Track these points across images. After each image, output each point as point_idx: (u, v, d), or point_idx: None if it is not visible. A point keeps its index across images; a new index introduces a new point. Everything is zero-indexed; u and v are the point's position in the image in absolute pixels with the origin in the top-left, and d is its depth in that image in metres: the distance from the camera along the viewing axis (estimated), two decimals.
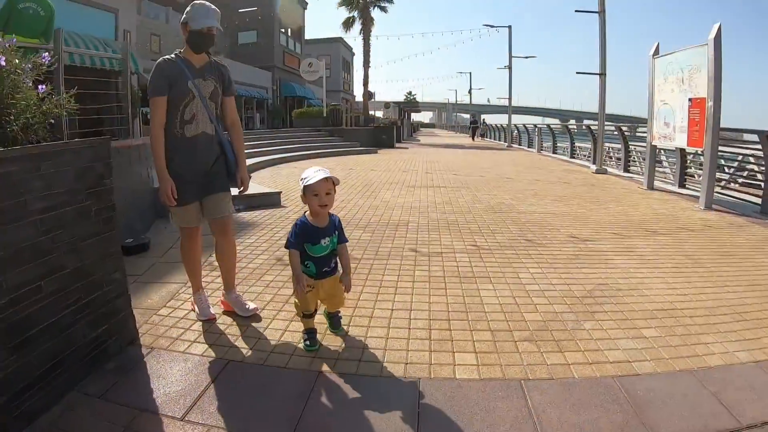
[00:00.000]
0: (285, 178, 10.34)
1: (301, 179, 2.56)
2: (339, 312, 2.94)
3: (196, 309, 3.11)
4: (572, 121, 18.58)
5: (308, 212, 2.65)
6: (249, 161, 11.71)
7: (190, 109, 2.87)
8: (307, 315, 2.72)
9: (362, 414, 2.14)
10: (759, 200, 7.47)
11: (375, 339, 2.81)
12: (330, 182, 2.56)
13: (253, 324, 3.01)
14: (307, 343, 2.73)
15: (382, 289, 3.66)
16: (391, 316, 3.16)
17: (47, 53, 2.47)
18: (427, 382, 2.39)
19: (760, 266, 4.43)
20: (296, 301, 2.72)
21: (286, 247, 2.63)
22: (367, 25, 29.03)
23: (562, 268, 4.23)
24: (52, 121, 2.44)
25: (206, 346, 2.74)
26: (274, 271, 4.05)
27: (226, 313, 3.16)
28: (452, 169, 12.83)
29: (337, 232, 2.68)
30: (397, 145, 24.53)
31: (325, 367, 2.51)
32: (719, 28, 7.16)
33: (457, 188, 9.12)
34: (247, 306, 3.13)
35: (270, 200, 7.11)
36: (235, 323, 3.04)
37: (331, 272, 2.71)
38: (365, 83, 29.67)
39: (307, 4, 34.95)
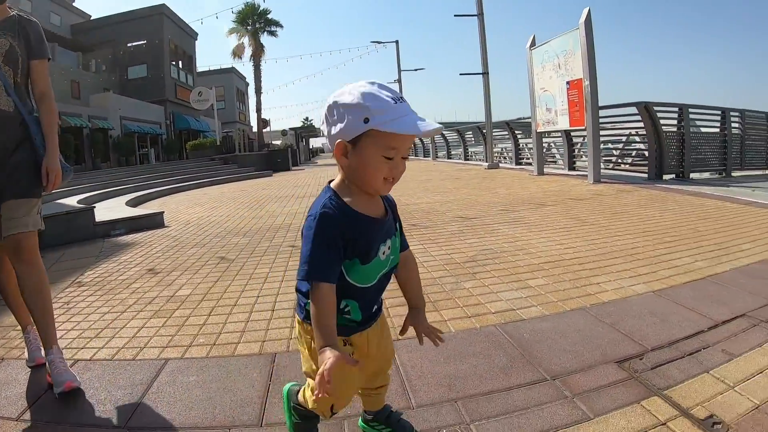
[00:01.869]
0: (174, 204, 9.30)
1: (352, 104, 1.06)
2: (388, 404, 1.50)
3: (26, 353, 2.20)
4: (469, 134, 19.02)
5: (334, 182, 1.20)
6: (138, 194, 10.55)
7: None
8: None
9: (206, 392, 1.84)
10: (646, 175, 7.70)
11: (234, 324, 2.49)
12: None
13: (111, 326, 2.60)
14: None
15: (252, 280, 3.26)
16: (255, 302, 2.81)
17: None
18: (284, 355, 2.11)
19: (650, 218, 4.31)
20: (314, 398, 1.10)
21: (306, 278, 1.09)
22: (257, 51, 28.28)
23: (444, 243, 3.86)
24: None
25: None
26: (143, 279, 3.50)
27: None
28: None
29: (398, 226, 1.29)
30: (293, 168, 23.82)
31: (174, 354, 2.20)
32: (588, 12, 7.43)
33: None
34: (62, 378, 1.89)
35: (152, 222, 6.38)
36: (92, 326, 2.61)
37: (379, 310, 1.34)
38: (258, 110, 28.85)
39: (197, 34, 33.66)
